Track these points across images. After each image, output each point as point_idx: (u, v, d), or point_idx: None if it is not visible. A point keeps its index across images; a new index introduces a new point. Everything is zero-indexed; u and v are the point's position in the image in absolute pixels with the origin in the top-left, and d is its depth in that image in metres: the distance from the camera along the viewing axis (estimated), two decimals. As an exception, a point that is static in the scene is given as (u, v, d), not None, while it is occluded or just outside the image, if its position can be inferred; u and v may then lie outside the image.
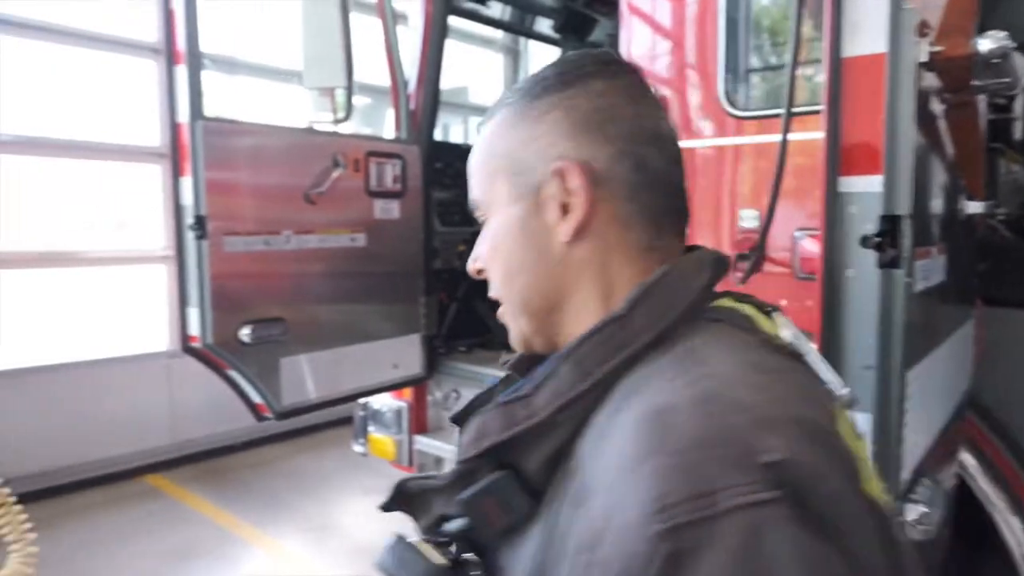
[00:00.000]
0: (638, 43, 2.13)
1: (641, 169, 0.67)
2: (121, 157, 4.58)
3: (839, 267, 1.63)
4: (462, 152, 3.49)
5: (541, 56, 5.46)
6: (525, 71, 5.90)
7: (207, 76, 2.14)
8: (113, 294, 4.78)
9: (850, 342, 1.62)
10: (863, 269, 1.60)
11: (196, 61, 2.08)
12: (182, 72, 2.08)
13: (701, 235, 2.02)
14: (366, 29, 2.82)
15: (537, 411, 0.60)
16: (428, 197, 2.88)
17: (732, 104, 1.98)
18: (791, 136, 1.71)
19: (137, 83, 4.46)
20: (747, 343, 0.61)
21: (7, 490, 2.67)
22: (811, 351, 0.65)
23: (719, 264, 0.68)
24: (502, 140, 0.71)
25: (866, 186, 1.58)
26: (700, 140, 2.02)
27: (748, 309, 0.67)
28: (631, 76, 0.70)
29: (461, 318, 3.18)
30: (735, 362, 0.57)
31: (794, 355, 0.63)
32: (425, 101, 2.93)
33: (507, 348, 0.76)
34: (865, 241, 1.52)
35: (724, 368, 0.56)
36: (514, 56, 5.95)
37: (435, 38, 2.98)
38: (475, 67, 6.04)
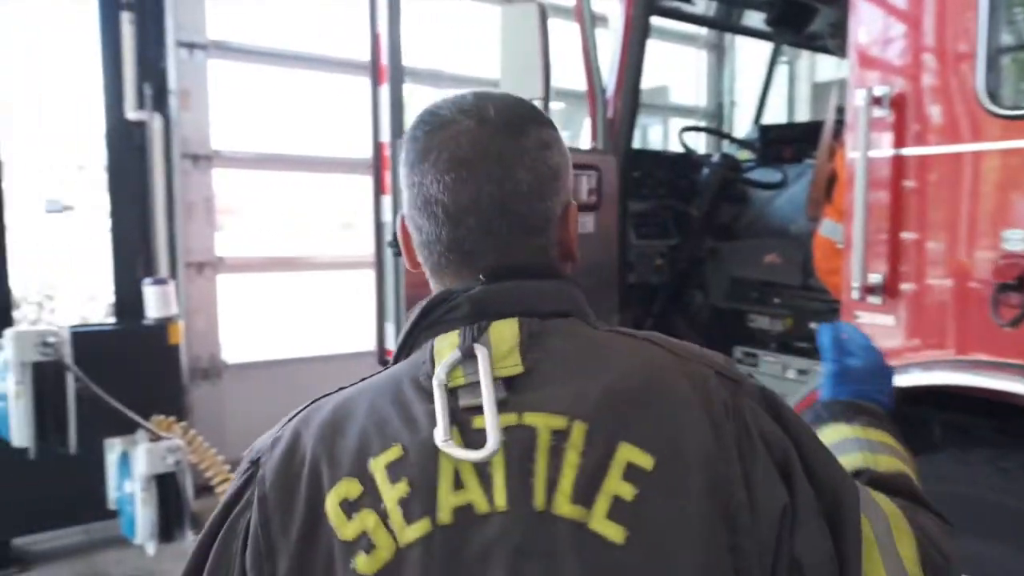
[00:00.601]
0: (869, 30, 1.83)
1: (418, 231, 0.79)
2: (341, 169, 4.95)
3: None
4: (661, 160, 3.30)
5: (750, 52, 5.08)
6: (731, 68, 5.53)
7: (413, 89, 2.19)
8: (332, 295, 5.18)
9: None
10: None
11: (398, 81, 2.13)
12: (385, 92, 2.14)
13: (944, 258, 1.71)
14: (564, 33, 2.74)
15: None
16: (624, 209, 2.74)
17: (995, 101, 1.63)
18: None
19: (355, 99, 4.78)
20: (389, 379, 0.76)
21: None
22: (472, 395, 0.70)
23: (435, 304, 0.76)
24: None
25: None
26: (948, 145, 1.70)
27: (446, 345, 0.73)
28: (428, 137, 0.77)
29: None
30: (349, 390, 0.78)
31: (429, 394, 0.71)
32: (624, 108, 2.79)
33: None
34: None
35: (343, 393, 0.78)
36: (719, 53, 5.60)
37: (635, 41, 2.83)
38: (677, 65, 5.76)
